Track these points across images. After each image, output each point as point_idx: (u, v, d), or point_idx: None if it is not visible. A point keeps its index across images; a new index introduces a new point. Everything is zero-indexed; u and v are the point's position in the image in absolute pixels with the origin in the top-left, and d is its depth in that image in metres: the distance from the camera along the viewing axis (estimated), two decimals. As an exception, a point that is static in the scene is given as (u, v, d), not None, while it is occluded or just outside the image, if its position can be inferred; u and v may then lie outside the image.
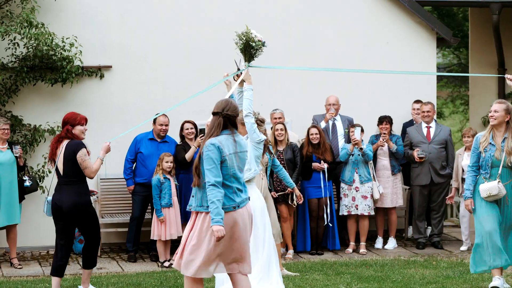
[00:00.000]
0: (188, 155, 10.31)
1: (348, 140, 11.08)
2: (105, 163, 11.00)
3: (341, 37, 11.93)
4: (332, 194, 10.89)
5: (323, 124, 11.07)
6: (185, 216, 10.06)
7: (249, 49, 7.86)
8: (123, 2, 11.30)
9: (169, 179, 10.06)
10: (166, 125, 10.53)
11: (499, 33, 12.11)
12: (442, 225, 11.33)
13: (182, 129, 10.64)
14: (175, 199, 10.15)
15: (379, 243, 11.16)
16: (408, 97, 11.86)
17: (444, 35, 12.05)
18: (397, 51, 12.03)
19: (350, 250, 10.87)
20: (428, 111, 11.04)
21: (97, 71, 11.14)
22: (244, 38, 7.77)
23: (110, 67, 11.20)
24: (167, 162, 10.05)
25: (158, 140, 10.56)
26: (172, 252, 10.06)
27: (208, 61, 11.47)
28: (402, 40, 12.07)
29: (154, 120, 10.54)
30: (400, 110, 11.83)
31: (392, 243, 11.15)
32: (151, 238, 10.16)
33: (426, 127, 11.07)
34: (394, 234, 11.27)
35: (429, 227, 11.46)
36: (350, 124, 11.11)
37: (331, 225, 10.63)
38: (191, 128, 10.59)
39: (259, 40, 7.83)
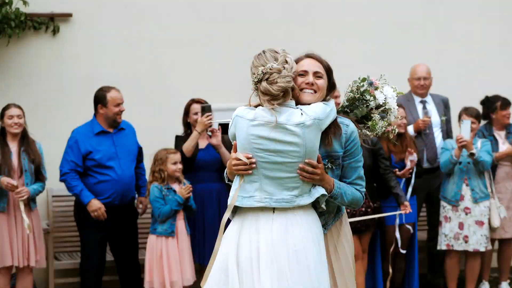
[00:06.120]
0: (186, 146, 6.80)
1: (446, 133, 7.68)
2: (51, 173, 7.19)
3: None
4: (416, 217, 7.31)
5: (410, 129, 7.55)
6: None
7: None
8: None
9: (174, 191, 6.65)
10: (122, 103, 6.80)
11: None
12: None
13: (187, 112, 7.07)
14: (180, 224, 6.70)
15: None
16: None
17: None
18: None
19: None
20: None
21: (48, 22, 7.67)
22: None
23: (70, 15, 7.69)
24: (175, 163, 6.67)
25: (111, 130, 6.76)
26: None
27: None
28: None
29: (100, 101, 6.70)
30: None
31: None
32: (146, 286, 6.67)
33: None
34: (507, 277, 7.84)
35: None
36: (445, 108, 7.74)
37: (404, 251, 7.15)
38: None
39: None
